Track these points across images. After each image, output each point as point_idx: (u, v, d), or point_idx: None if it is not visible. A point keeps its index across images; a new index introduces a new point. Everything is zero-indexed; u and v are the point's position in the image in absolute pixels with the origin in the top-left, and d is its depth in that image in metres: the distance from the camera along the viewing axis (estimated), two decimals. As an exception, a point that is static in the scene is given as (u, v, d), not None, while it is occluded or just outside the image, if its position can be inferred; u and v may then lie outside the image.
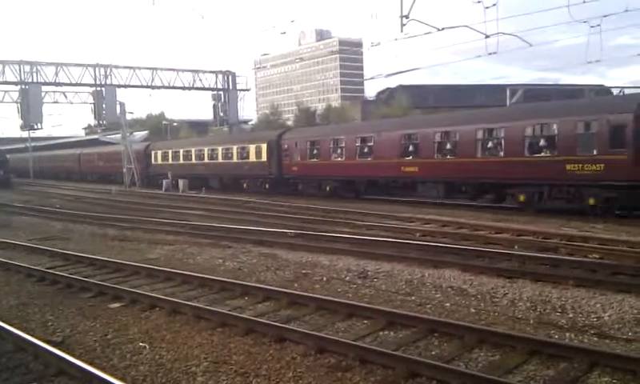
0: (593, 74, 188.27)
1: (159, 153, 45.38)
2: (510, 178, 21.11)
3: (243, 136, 40.60)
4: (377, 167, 26.61)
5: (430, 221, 19.08)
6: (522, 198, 20.89)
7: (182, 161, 41.94)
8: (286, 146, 32.47)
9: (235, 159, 36.14)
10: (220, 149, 37.96)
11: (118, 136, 48.88)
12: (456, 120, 25.09)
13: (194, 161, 40.60)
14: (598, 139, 18.45)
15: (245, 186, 35.11)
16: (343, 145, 28.86)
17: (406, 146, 25.43)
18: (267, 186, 33.78)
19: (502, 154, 21.46)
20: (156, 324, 8.51)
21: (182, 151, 42.71)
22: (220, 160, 37.70)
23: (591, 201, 18.69)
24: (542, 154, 20.15)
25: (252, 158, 34.48)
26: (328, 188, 29.72)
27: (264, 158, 33.48)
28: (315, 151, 30.67)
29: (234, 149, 36.41)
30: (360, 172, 27.74)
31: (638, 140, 17.57)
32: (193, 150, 41.34)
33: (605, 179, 18.20)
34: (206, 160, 39.30)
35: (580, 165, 18.82)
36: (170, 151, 44.28)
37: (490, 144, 22.16)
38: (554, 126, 19.84)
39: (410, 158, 25.06)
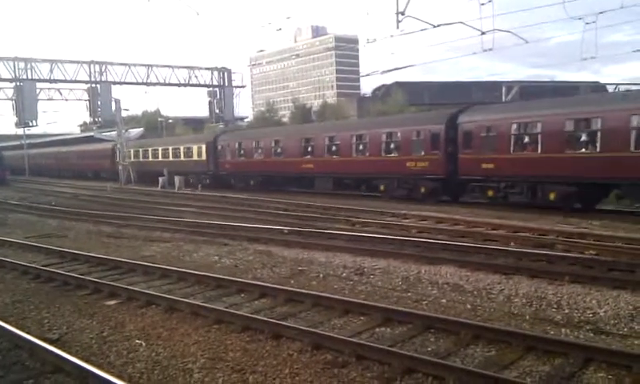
0: (588, 71, 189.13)
1: (130, 152, 48.87)
2: (374, 173, 26.99)
3: (189, 138, 46.16)
4: (285, 164, 32.20)
5: (425, 217, 19.10)
6: (382, 187, 26.74)
7: (150, 158, 46.24)
8: (220, 147, 37.76)
9: (182, 157, 41.14)
10: (171, 148, 43.34)
11: (114, 133, 48.77)
12: (338, 127, 32.74)
13: (160, 159, 44.85)
14: (424, 144, 24.45)
15: (191, 181, 39.46)
16: (262, 146, 34.51)
17: (305, 147, 30.91)
18: (207, 180, 38.59)
19: (367, 154, 27.22)
20: (152, 321, 8.50)
21: (150, 150, 46.84)
22: (171, 159, 42.96)
23: (422, 189, 24.68)
24: (392, 155, 25.94)
25: (195, 156, 39.67)
26: (252, 182, 34.91)
27: (204, 157, 38.60)
28: (242, 151, 35.96)
29: (182, 149, 41.71)
30: (275, 168, 33.18)
31: (448, 145, 23.37)
32: (160, 148, 45.83)
33: (429, 173, 24.29)
34: (162, 158, 44.50)
35: (414, 162, 24.87)
36: (140, 150, 48.45)
37: (360, 146, 27.68)
38: (398, 134, 25.88)
39: (308, 157, 30.55)
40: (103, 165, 52.92)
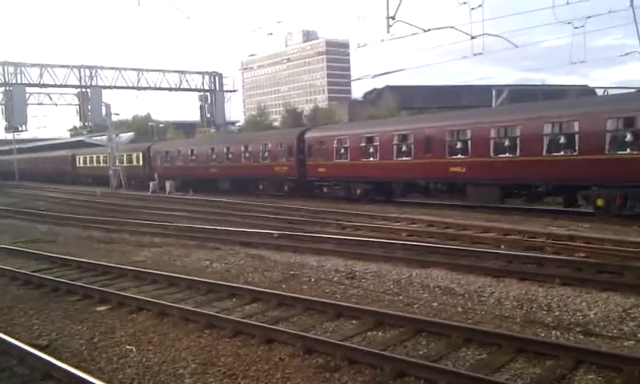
0: (576, 75, 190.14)
1: (81, 158, 55.98)
2: (256, 175, 34.45)
3: (131, 146, 51.13)
4: (198, 169, 39.59)
5: (416, 220, 19.15)
6: (261, 186, 34.24)
7: (104, 164, 50.54)
8: (152, 154, 44.94)
9: (126, 163, 47.66)
10: (119, 155, 48.53)
11: (104, 138, 48.64)
12: (231, 140, 41.46)
13: (103, 164, 50.38)
14: (285, 153, 32.25)
15: (132, 182, 45.88)
16: (182, 154, 41.79)
17: (211, 155, 38.41)
18: (142, 182, 44.15)
19: (251, 161, 34.83)
20: (143, 326, 8.46)
21: (101, 156, 51.38)
22: (121, 164, 48.25)
23: (286, 187, 32.30)
24: (266, 161, 33.56)
25: (134, 162, 46.92)
26: (175, 184, 39.90)
27: (141, 162, 45.80)
28: (169, 158, 43.07)
29: (125, 155, 48.05)
30: (191, 173, 39.91)
31: (299, 154, 31.00)
32: (102, 155, 51.22)
33: (288, 175, 31.93)
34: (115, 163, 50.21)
35: (280, 167, 32.51)
36: (93, 156, 53.37)
37: (246, 154, 35.49)
38: (269, 145, 33.87)
39: (213, 163, 38.05)
40: (66, 170, 58.41)
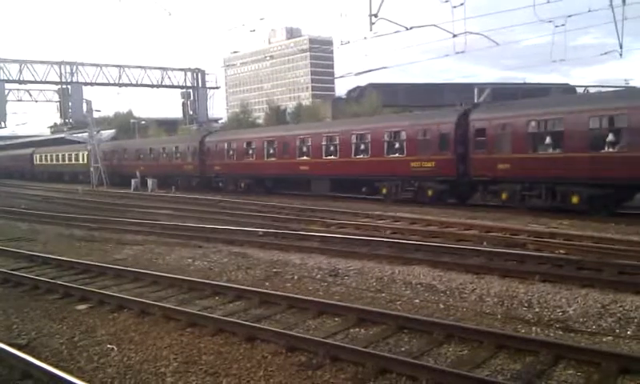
0: (557, 73, 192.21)
1: (38, 156, 61.11)
2: (173, 173, 39.89)
3: (75, 146, 55.74)
4: (126, 167, 44.49)
5: (399, 218, 19.23)
6: (178, 181, 38.62)
7: (55, 162, 57.14)
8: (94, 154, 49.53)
9: (73, 161, 53.67)
10: (67, 154, 55.62)
11: (85, 135, 48.16)
12: (156, 142, 47.73)
13: (61, 162, 56.43)
14: (191, 154, 38.76)
15: (80, 177, 50.19)
16: (125, 152, 47.26)
17: (138, 155, 44.51)
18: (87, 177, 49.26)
19: (171, 160, 40.40)
20: (124, 325, 8.40)
21: (54, 155, 57.87)
22: (66, 162, 55.34)
23: (194, 183, 37.52)
24: (178, 161, 40.09)
25: (80, 160, 52.00)
26: (118, 178, 45.28)
27: (85, 161, 49.67)
28: (116, 156, 47.89)
29: (72, 154, 54.13)
30: (132, 170, 42.60)
31: (201, 155, 37.05)
32: (61, 154, 57.25)
33: (192, 173, 38.30)
34: (61, 162, 56.61)
35: (187, 166, 38.83)
36: (50, 154, 59.08)
37: (163, 155, 41.30)
38: (180, 147, 40.57)
39: (140, 162, 43.35)
40: (25, 167, 63.22)
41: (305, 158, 29.62)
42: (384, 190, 25.40)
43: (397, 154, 25.00)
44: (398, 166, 24.68)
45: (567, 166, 19.01)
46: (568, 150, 19.14)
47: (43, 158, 59.71)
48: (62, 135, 64.39)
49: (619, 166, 17.67)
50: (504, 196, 21.10)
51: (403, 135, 24.93)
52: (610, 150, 18.23)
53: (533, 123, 20.29)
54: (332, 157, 28.08)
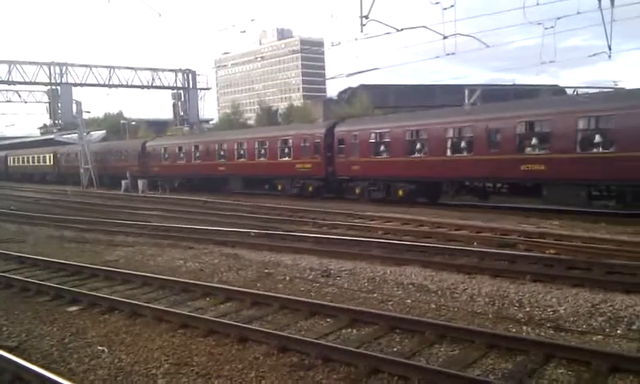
0: (546, 74, 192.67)
1: (12, 158, 65.04)
2: (123, 172, 42.21)
3: (44, 149, 59.31)
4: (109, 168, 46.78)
5: (391, 219, 19.27)
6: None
7: (26, 163, 61.38)
8: (58, 156, 54.22)
9: (41, 163, 57.75)
10: (37, 156, 59.34)
11: (75, 136, 47.91)
12: (117, 145, 50.75)
13: (31, 163, 60.37)
14: (134, 157, 43.02)
15: (47, 178, 55.17)
16: (70, 156, 50.75)
17: (98, 157, 47.05)
18: (52, 178, 54.64)
19: (118, 162, 44.58)
20: (115, 327, 8.36)
21: (27, 157, 61.64)
22: (35, 163, 59.23)
23: (140, 186, 39.43)
24: (125, 163, 43.34)
25: (47, 162, 56.36)
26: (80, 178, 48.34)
27: (53, 162, 55.03)
28: (64, 160, 52.61)
29: (40, 156, 58.11)
30: (104, 171, 46.31)
31: (141, 158, 41.75)
32: (30, 156, 61.18)
33: (137, 173, 40.94)
34: (31, 163, 60.53)
35: (132, 167, 41.87)
36: (23, 157, 62.74)
37: (112, 157, 46.04)
38: (128, 151, 44.38)
39: (101, 164, 46.70)
40: (0, 168, 66.34)
41: (222, 160, 34.80)
42: (279, 187, 30.85)
43: (286, 158, 30.38)
44: (288, 167, 30.06)
45: (393, 167, 24.69)
46: (393, 156, 24.86)
47: (16, 160, 64.23)
48: (52, 136, 64.06)
49: (422, 168, 23.57)
50: (357, 191, 26.64)
51: (290, 142, 30.36)
52: (417, 155, 23.88)
53: (373, 135, 26.02)
54: (242, 159, 33.38)
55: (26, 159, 61.67)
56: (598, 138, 18.25)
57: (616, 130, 17.74)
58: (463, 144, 22.18)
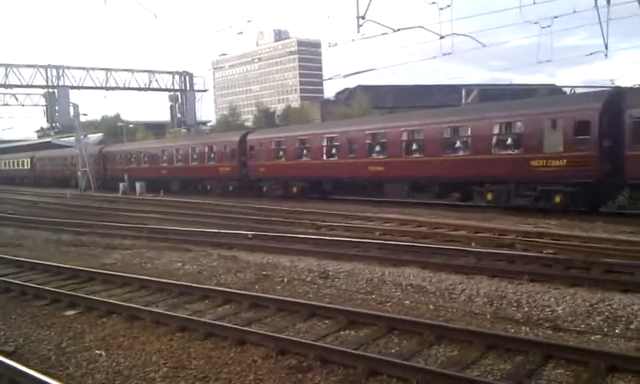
0: (543, 74, 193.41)
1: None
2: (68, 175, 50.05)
3: (22, 155, 66.38)
4: (55, 171, 54.49)
5: (389, 220, 19.26)
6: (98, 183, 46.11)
7: (7, 168, 67.45)
8: (34, 160, 60.47)
9: (19, 167, 64.55)
10: (14, 160, 66.62)
11: (72, 139, 47.84)
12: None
13: (11, 167, 66.89)
14: (95, 161, 46.61)
15: (25, 180, 60.97)
16: (49, 161, 57.46)
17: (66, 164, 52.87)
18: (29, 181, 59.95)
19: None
20: (113, 331, 8.33)
21: (10, 161, 67.63)
22: (15, 167, 65.85)
23: (98, 181, 45.55)
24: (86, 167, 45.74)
25: (25, 166, 62.85)
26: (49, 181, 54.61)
27: (29, 166, 61.27)
28: (40, 164, 58.93)
29: (19, 161, 64.96)
30: (49, 174, 54.40)
31: (103, 162, 45.87)
32: (10, 160, 67.87)
33: (98, 175, 46.24)
34: (11, 167, 67.17)
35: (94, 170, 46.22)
36: (5, 161, 68.93)
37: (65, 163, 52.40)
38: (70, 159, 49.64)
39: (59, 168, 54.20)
40: None
41: (164, 164, 39.85)
42: (208, 187, 36.13)
43: (212, 162, 35.45)
44: (213, 170, 35.16)
45: (288, 169, 29.99)
46: (288, 159, 30.26)
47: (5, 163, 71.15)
48: (49, 139, 64.01)
49: (308, 170, 28.89)
50: (264, 189, 31.75)
51: (215, 148, 35.49)
52: (305, 159, 29.29)
53: (273, 143, 31.35)
54: (180, 164, 38.53)
55: (6, 164, 68.52)
56: (415, 146, 23.87)
57: (425, 140, 23.34)
58: (334, 150, 27.70)
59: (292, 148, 29.93)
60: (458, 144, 22.21)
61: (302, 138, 29.94)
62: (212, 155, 35.37)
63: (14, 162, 66.67)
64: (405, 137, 24.19)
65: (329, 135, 28.38)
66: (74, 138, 47.11)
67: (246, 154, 32.77)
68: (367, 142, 25.85)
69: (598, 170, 18.02)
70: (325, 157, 28.00)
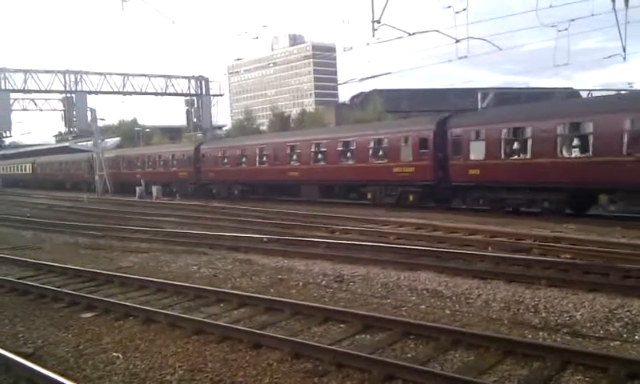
0: (560, 77, 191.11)
1: (0, 167, 74.79)
2: (76, 179, 54.55)
3: (24, 160, 71.01)
4: (42, 175, 61.90)
5: (404, 224, 19.20)
6: (69, 185, 53.48)
7: (11, 172, 72.09)
8: (35, 165, 64.65)
9: (24, 171, 68.49)
10: (17, 165, 71.65)
11: (90, 143, 48.32)
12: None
13: (14, 172, 71.49)
14: (84, 168, 50.94)
15: (28, 184, 63.31)
16: (50, 165, 61.78)
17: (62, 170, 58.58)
18: (32, 184, 63.02)
19: (71, 171, 56.09)
20: (130, 333, 8.39)
21: (13, 165, 72.33)
22: (18, 172, 70.43)
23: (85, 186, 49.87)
24: (80, 172, 51.56)
25: (27, 170, 66.92)
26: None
27: (31, 170, 65.37)
28: (48, 168, 61.98)
29: (21, 165, 69.67)
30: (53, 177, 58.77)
31: (90, 169, 49.03)
32: (13, 165, 72.57)
33: (86, 180, 50.06)
34: (14, 171, 71.95)
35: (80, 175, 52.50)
36: (9, 166, 73.51)
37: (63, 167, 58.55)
38: (82, 163, 52.43)
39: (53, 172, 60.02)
40: None
41: (139, 170, 44.63)
42: (174, 189, 40.27)
43: (174, 168, 41.06)
44: (172, 175, 41.03)
45: (230, 174, 35.47)
46: (230, 166, 35.57)
47: (4, 168, 75.17)
48: (66, 144, 64.73)
49: (244, 175, 34.47)
50: (214, 191, 36.97)
51: (177, 155, 41.43)
52: (242, 166, 34.52)
53: (219, 152, 36.99)
54: (150, 169, 43.95)
55: (10, 168, 73.29)
56: (320, 156, 29.21)
57: (327, 151, 28.79)
58: (264, 159, 33.00)
59: (233, 156, 35.55)
60: (348, 154, 27.67)
61: (241, 147, 35.76)
62: (174, 162, 41.21)
63: (17, 167, 71.24)
64: (313, 148, 29.64)
65: (260, 146, 34.26)
66: (91, 142, 47.54)
67: (200, 161, 38.26)
68: (287, 152, 31.32)
69: (434, 175, 23.58)
70: (257, 164, 33.46)
